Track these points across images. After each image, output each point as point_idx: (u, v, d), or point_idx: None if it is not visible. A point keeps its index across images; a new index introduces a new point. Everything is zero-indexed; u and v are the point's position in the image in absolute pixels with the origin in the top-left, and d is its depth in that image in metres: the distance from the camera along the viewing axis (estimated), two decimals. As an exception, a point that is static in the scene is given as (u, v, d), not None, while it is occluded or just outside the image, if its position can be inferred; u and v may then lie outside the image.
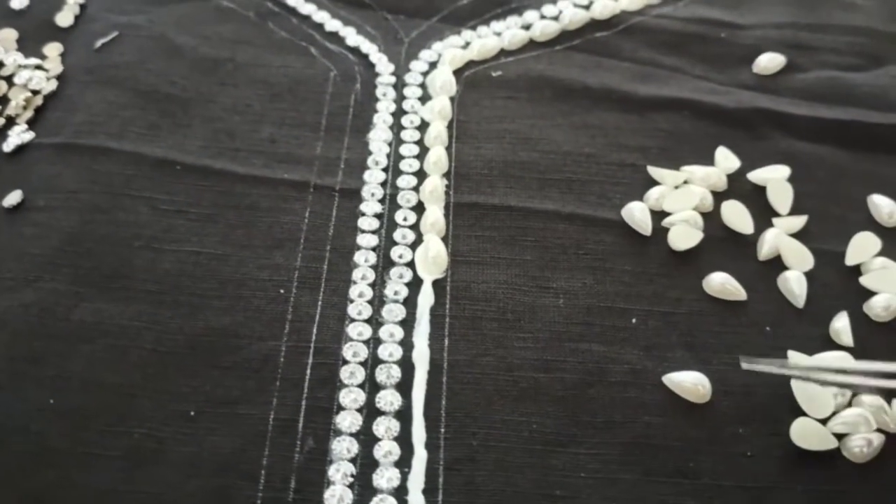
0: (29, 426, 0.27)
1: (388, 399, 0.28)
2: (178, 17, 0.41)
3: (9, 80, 0.37)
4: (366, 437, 0.27)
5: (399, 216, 0.34)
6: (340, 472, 0.26)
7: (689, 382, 0.29)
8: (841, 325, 0.31)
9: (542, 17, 0.42)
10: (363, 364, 0.29)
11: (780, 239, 0.33)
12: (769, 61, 0.41)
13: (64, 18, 0.40)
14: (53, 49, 0.39)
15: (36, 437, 0.26)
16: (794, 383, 0.29)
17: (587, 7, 0.43)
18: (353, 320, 0.30)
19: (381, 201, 0.34)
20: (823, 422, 0.28)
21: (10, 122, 0.36)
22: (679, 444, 0.28)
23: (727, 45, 0.42)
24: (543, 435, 0.28)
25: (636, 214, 0.34)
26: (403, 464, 0.27)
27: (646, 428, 0.28)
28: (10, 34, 0.39)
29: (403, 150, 0.36)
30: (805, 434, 0.28)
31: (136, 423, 0.27)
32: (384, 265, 0.32)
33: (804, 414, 0.28)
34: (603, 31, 0.42)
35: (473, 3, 0.43)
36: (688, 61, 0.41)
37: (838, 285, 0.33)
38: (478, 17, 0.42)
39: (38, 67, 0.38)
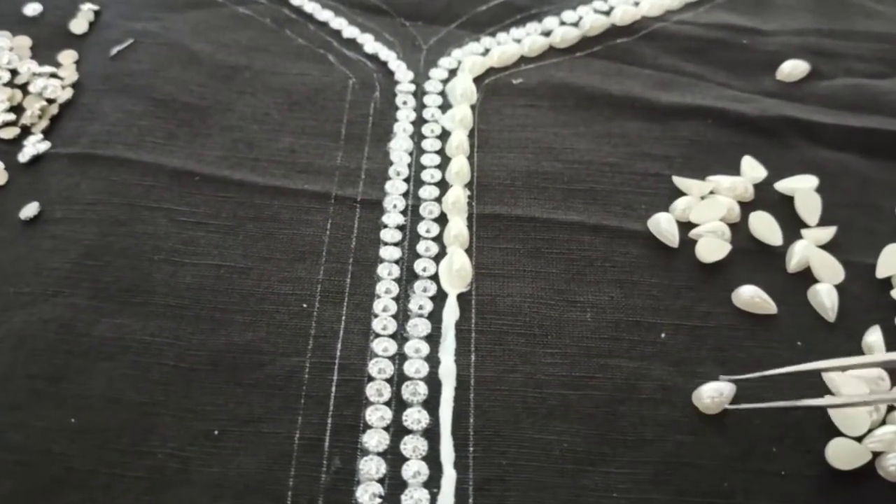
0: (51, 448, 0.26)
1: (416, 417, 0.28)
2: (194, 24, 0.40)
3: (23, 88, 0.37)
4: (393, 457, 0.27)
5: (422, 228, 0.33)
6: (368, 492, 0.26)
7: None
8: (873, 340, 0.30)
9: (562, 23, 0.42)
10: (389, 381, 0.29)
11: (809, 251, 0.33)
12: (793, 68, 0.40)
13: (78, 25, 0.40)
14: (68, 57, 0.38)
15: (59, 459, 0.26)
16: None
17: (607, 13, 0.42)
18: (377, 335, 0.30)
19: (404, 212, 0.34)
20: (858, 440, 0.28)
21: (26, 131, 0.35)
22: (712, 462, 0.27)
23: (749, 52, 0.41)
24: (574, 454, 0.27)
25: (663, 226, 0.33)
26: (432, 484, 0.26)
27: (678, 447, 0.27)
28: (24, 41, 0.39)
29: (425, 159, 0.36)
30: (841, 455, 0.27)
31: (160, 443, 0.26)
32: (408, 278, 0.32)
33: (838, 433, 0.28)
34: (624, 38, 0.42)
35: (492, 10, 0.42)
36: (710, 68, 0.40)
37: (869, 298, 0.32)
38: (497, 23, 0.42)
39: (53, 76, 0.37)
